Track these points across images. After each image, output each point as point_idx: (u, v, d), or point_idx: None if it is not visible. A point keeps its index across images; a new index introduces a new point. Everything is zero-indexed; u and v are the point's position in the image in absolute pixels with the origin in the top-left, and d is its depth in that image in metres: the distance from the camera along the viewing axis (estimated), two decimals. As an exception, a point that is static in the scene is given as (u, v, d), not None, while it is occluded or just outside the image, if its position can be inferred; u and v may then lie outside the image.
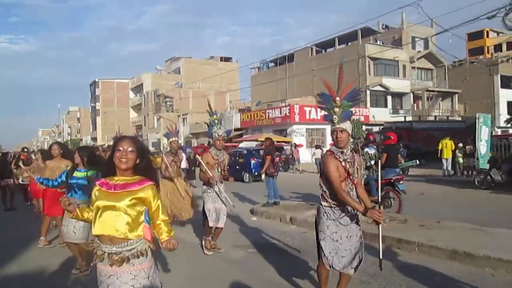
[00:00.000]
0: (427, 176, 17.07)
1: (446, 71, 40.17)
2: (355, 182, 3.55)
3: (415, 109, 38.02)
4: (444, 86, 39.27)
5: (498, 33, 48.31)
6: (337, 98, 3.49)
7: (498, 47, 47.50)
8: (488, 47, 49.80)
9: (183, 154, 7.16)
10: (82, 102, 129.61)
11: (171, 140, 7.47)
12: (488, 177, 12.98)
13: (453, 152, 17.30)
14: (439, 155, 17.62)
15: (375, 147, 9.73)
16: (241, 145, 27.12)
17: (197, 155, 9.06)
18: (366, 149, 9.40)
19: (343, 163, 3.47)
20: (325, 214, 3.54)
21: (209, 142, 6.54)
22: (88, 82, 79.50)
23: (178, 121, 46.85)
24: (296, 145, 25.83)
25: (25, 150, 12.17)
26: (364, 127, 27.75)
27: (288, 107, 31.44)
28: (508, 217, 7.99)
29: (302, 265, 5.15)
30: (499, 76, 36.43)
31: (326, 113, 3.60)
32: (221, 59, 63.43)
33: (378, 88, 35.70)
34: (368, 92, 34.31)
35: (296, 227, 7.58)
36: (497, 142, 16.04)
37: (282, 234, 6.95)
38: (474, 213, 8.81)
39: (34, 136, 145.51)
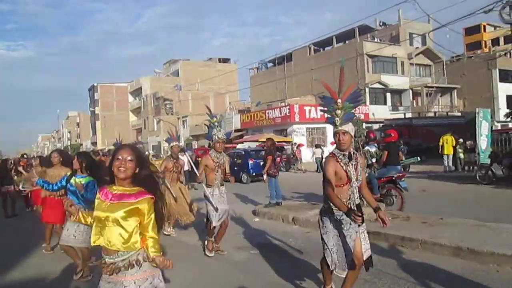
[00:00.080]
0: (428, 173, 17.04)
1: (445, 66, 40.17)
2: (357, 185, 3.53)
3: (415, 105, 37.99)
4: (443, 81, 39.26)
5: (495, 27, 48.34)
6: (339, 100, 3.47)
7: (495, 41, 47.51)
8: (485, 42, 49.82)
9: (185, 156, 7.14)
10: (81, 106, 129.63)
11: (172, 144, 7.46)
12: (490, 172, 12.95)
13: (454, 148, 17.27)
14: (440, 151, 17.60)
15: (375, 145, 9.72)
16: (239, 146, 27.12)
17: (198, 158, 9.04)
18: (367, 147, 9.39)
19: (343, 167, 3.45)
20: (327, 214, 3.56)
21: (209, 144, 6.53)
22: (87, 87, 79.55)
23: (178, 123, 46.90)
24: (298, 145, 25.83)
25: (25, 156, 12.17)
26: (364, 125, 27.72)
27: (287, 107, 31.42)
28: (511, 212, 7.97)
29: (305, 266, 5.13)
30: (497, 70, 36.42)
31: (328, 115, 3.59)
32: (220, 60, 63.40)
33: (377, 85, 35.67)
34: (367, 89, 34.28)
35: (298, 227, 7.56)
36: (497, 137, 16.01)
37: (285, 235, 6.93)
38: (476, 208, 8.79)
39: (34, 142, 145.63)
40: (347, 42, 39.78)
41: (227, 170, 5.98)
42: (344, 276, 3.60)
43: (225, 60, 63.85)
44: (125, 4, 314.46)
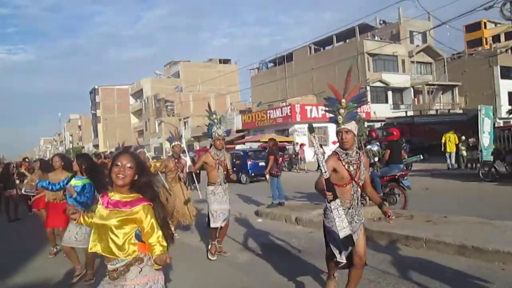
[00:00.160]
0: (430, 171, 16.99)
1: (446, 64, 40.06)
2: (360, 184, 3.50)
3: (416, 103, 37.91)
4: (444, 79, 39.17)
5: (495, 23, 48.17)
6: (343, 100, 3.45)
7: (496, 38, 47.35)
8: (486, 38, 49.68)
9: (188, 158, 7.09)
10: (82, 109, 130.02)
11: (173, 144, 7.43)
12: (493, 169, 12.90)
13: (456, 145, 17.23)
14: (442, 149, 17.55)
15: (378, 143, 9.67)
16: (238, 147, 27.14)
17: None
18: (369, 146, 9.35)
19: (346, 166, 3.42)
20: (331, 213, 3.49)
21: (211, 145, 6.40)
22: (88, 90, 79.70)
23: (179, 125, 46.89)
24: (301, 145, 25.80)
25: (26, 160, 12.17)
26: (366, 124, 27.67)
27: (289, 107, 31.38)
28: (515, 209, 7.93)
29: (309, 266, 5.10)
30: (498, 67, 36.31)
31: (332, 115, 3.56)
32: (220, 61, 63.47)
33: (378, 84, 35.61)
34: (368, 88, 34.22)
35: (301, 228, 7.54)
36: (499, 134, 15.96)
37: (288, 235, 6.90)
38: (480, 206, 8.75)
39: (36, 146, 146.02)
40: (347, 41, 39.72)
41: (229, 166, 5.92)
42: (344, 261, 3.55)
43: (226, 61, 63.91)
44: (124, 6, 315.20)
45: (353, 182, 3.45)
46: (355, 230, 3.49)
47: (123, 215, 2.39)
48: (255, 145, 28.24)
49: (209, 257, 5.75)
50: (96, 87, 73.65)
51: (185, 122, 48.63)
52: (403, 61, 37.59)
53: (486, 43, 48.02)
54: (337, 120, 3.46)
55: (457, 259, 4.97)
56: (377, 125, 30.06)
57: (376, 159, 9.07)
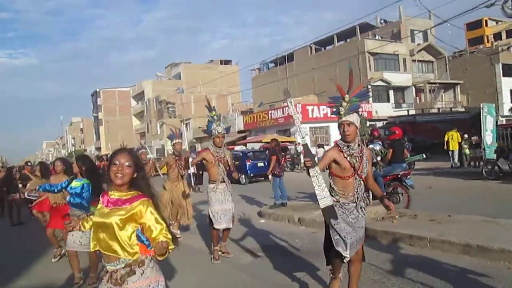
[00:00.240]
0: (433, 169, 16.94)
1: (447, 62, 39.93)
2: (363, 177, 3.46)
3: (418, 102, 37.80)
4: (446, 77, 39.05)
5: (497, 21, 48.04)
6: (346, 96, 3.43)
7: (497, 36, 47.18)
8: (487, 36, 49.52)
9: (190, 159, 7.06)
10: (84, 112, 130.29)
11: (174, 142, 7.41)
12: (496, 167, 12.85)
13: (459, 143, 17.18)
14: (445, 147, 17.51)
15: (380, 143, 9.65)
16: (236, 148, 27.16)
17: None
18: (371, 146, 9.33)
19: (348, 158, 3.39)
20: (335, 206, 3.47)
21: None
22: (89, 93, 79.90)
23: (181, 126, 46.82)
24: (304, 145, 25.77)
25: (29, 164, 12.17)
26: (368, 123, 27.64)
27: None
28: (519, 207, 7.89)
29: (312, 267, 5.06)
30: (500, 64, 36.15)
31: (335, 109, 3.55)
32: (221, 62, 63.46)
33: (380, 83, 35.52)
34: (369, 87, 34.15)
35: (305, 228, 7.51)
36: (502, 132, 15.89)
37: (291, 236, 6.87)
38: (484, 204, 8.71)
39: (39, 149, 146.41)
40: (348, 40, 39.66)
41: (230, 163, 5.87)
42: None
43: (227, 62, 63.91)
44: (125, 9, 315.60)
45: (356, 175, 3.41)
46: (361, 226, 3.47)
47: (124, 212, 2.36)
48: (257, 146, 28.26)
49: (213, 262, 5.67)
50: (98, 90, 73.79)
51: (186, 124, 48.64)
52: (404, 60, 37.50)
53: (488, 41, 47.88)
54: (339, 111, 3.43)
55: (462, 258, 4.93)
56: (379, 124, 30.02)
57: (379, 158, 9.05)
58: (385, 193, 8.24)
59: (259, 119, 34.67)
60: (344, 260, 3.45)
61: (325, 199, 3.20)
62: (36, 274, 5.72)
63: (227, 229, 5.86)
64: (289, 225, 7.94)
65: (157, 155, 41.40)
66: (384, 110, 33.88)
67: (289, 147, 26.15)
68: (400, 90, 37.46)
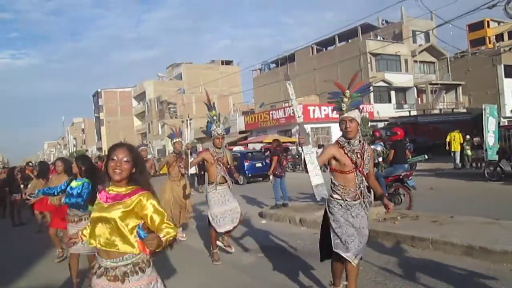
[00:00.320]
0: (435, 170, 16.89)
1: (449, 63, 39.88)
2: (364, 173, 3.41)
3: (419, 103, 37.75)
4: (447, 78, 38.99)
5: (499, 22, 48.00)
6: (347, 91, 3.39)
7: (499, 37, 47.16)
8: (489, 37, 49.47)
9: (192, 159, 7.04)
10: (86, 113, 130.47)
11: (174, 141, 7.38)
12: (498, 168, 12.81)
13: (461, 144, 17.14)
14: (447, 148, 17.47)
15: (382, 143, 9.62)
16: (235, 148, 27.19)
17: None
18: (373, 146, 9.29)
19: (349, 154, 3.35)
20: (337, 205, 3.43)
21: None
22: (91, 93, 79.93)
23: (182, 126, 46.81)
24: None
25: (30, 164, 12.18)
26: (369, 124, 27.59)
27: (291, 107, 31.22)
28: (522, 209, 7.84)
29: (314, 268, 5.03)
30: (502, 66, 36.10)
31: (336, 105, 3.50)
32: (222, 62, 63.46)
33: (381, 83, 35.47)
34: (371, 88, 34.10)
35: (306, 229, 7.48)
36: (504, 133, 15.86)
37: (292, 237, 6.85)
38: (486, 206, 8.66)
39: (40, 149, 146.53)
40: (349, 41, 39.62)
41: (230, 163, 5.82)
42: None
43: (228, 62, 63.91)
44: (126, 9, 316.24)
45: (358, 171, 3.36)
46: (363, 225, 3.41)
47: (125, 206, 2.33)
48: (258, 146, 28.26)
49: (213, 262, 5.65)
50: (99, 90, 73.83)
51: (187, 124, 48.63)
52: (406, 61, 37.45)
53: (490, 42, 47.82)
54: (340, 108, 3.39)
55: (464, 260, 4.90)
56: (380, 125, 29.97)
57: (380, 159, 9.02)
58: (386, 194, 8.23)
59: (260, 120, 34.66)
60: (353, 263, 3.37)
61: (317, 177, 3.17)
62: (36, 275, 5.70)
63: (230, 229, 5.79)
64: (290, 226, 7.91)
65: (158, 155, 41.40)
66: (386, 111, 33.84)
67: (290, 147, 26.12)
68: (401, 91, 37.41)
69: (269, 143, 20.38)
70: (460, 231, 5.69)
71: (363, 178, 3.42)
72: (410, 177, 8.43)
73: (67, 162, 6.06)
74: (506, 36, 46.61)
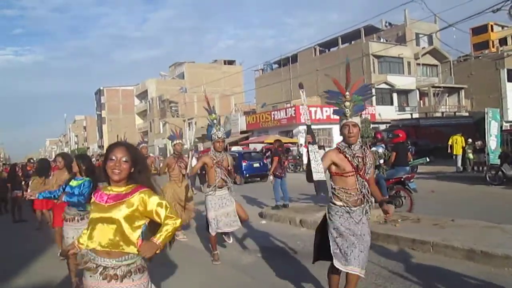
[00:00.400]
0: (436, 173, 16.86)
1: (452, 66, 39.83)
2: (366, 178, 3.35)
3: (422, 105, 37.70)
4: (450, 81, 38.93)
5: (502, 26, 47.89)
6: (347, 93, 3.35)
7: (503, 41, 47.02)
8: (493, 41, 49.34)
9: (194, 158, 7.04)
10: (88, 110, 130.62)
11: (175, 142, 7.37)
12: (500, 172, 12.77)
13: (463, 148, 17.11)
14: (449, 151, 17.44)
15: (383, 145, 9.59)
16: (233, 148, 27.22)
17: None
18: (374, 148, 9.27)
19: (349, 158, 3.29)
20: (337, 212, 3.35)
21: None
22: (93, 91, 79.94)
23: (184, 126, 46.94)
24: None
25: (32, 161, 12.22)
26: (371, 126, 27.56)
27: (293, 108, 31.32)
28: (524, 213, 7.81)
29: (314, 270, 5.01)
30: (505, 70, 35.99)
31: (336, 108, 3.43)
32: (225, 62, 63.47)
33: (383, 86, 35.43)
34: (373, 90, 34.06)
35: (306, 230, 7.45)
36: (507, 137, 15.80)
37: (292, 238, 6.83)
38: (487, 210, 8.63)
39: (42, 146, 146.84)
40: (352, 42, 39.61)
41: (230, 167, 5.81)
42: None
43: (230, 62, 63.91)
44: (131, 8, 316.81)
45: (358, 175, 3.31)
46: (364, 232, 3.33)
47: (128, 205, 2.29)
48: (259, 146, 28.27)
49: (213, 263, 5.63)
50: (101, 88, 73.84)
51: (189, 123, 48.69)
52: (408, 63, 37.40)
53: (493, 46, 47.71)
54: (344, 113, 3.34)
55: (466, 264, 4.87)
56: (382, 127, 29.92)
57: (382, 161, 8.99)
58: (387, 196, 8.20)
59: (262, 120, 34.65)
60: (360, 275, 3.29)
61: (319, 174, 3.14)
62: (36, 272, 5.69)
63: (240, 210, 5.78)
64: (290, 227, 7.89)
65: (159, 154, 41.43)
66: (388, 113, 33.77)
67: (291, 148, 26.10)
68: (404, 93, 37.36)
69: (271, 143, 20.40)
70: (462, 234, 5.66)
71: (365, 183, 3.34)
72: (412, 180, 8.39)
73: (68, 157, 6.05)
74: (509, 40, 46.49)
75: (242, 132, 36.54)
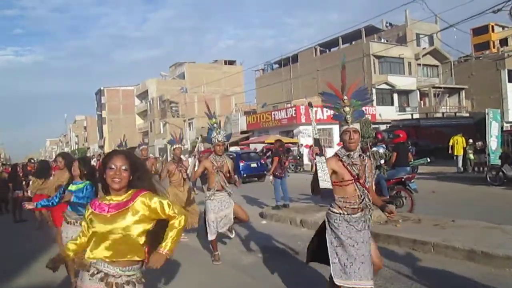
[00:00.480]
0: (436, 174, 16.85)
1: (452, 67, 39.78)
2: (366, 186, 3.27)
3: (422, 106, 37.67)
4: (451, 82, 38.90)
5: (503, 27, 47.85)
6: (345, 97, 3.30)
7: (504, 42, 46.98)
8: (493, 42, 49.30)
9: (195, 159, 7.03)
10: (88, 110, 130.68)
11: (174, 147, 7.37)
12: (500, 173, 12.76)
13: (464, 148, 17.09)
14: (450, 152, 17.42)
15: (384, 146, 9.59)
16: (231, 148, 27.25)
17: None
18: (375, 148, 9.26)
19: (348, 167, 3.23)
20: (336, 220, 3.27)
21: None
22: (93, 91, 79.92)
23: (184, 126, 46.95)
24: (311, 146, 25.75)
25: (32, 161, 12.23)
26: (371, 126, 27.55)
27: (293, 108, 31.32)
28: (524, 214, 7.80)
29: (314, 270, 5.00)
30: (506, 70, 35.94)
31: (336, 113, 3.37)
32: (225, 62, 63.44)
33: (384, 86, 35.42)
34: (374, 90, 34.07)
35: (307, 230, 7.44)
36: (507, 138, 15.80)
37: (293, 238, 6.82)
38: (488, 210, 8.62)
39: (42, 146, 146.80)
40: (353, 43, 39.60)
41: (230, 171, 5.81)
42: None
43: (231, 62, 63.89)
44: (130, 8, 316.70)
45: (358, 183, 3.24)
46: (366, 240, 3.23)
47: (133, 212, 2.28)
48: (259, 147, 28.27)
49: (214, 263, 5.64)
50: (102, 88, 73.84)
51: (190, 123, 48.69)
52: (409, 64, 37.38)
53: (494, 47, 47.67)
54: (345, 119, 3.28)
55: (466, 264, 4.87)
56: (383, 127, 29.90)
57: (383, 161, 8.98)
58: (388, 197, 8.19)
59: (262, 120, 34.65)
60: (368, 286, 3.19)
61: (326, 182, 3.12)
62: (35, 272, 5.68)
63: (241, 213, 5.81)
64: (291, 227, 7.89)
65: (159, 154, 41.42)
66: (388, 113, 33.76)
67: (291, 148, 26.11)
68: (404, 93, 37.35)
69: (271, 143, 20.41)
70: (462, 235, 5.66)
71: (366, 191, 3.26)
72: (412, 180, 8.39)
73: (68, 157, 6.05)
74: (510, 41, 46.47)
75: (242, 132, 36.54)
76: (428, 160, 10.79)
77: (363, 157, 3.34)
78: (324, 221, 3.46)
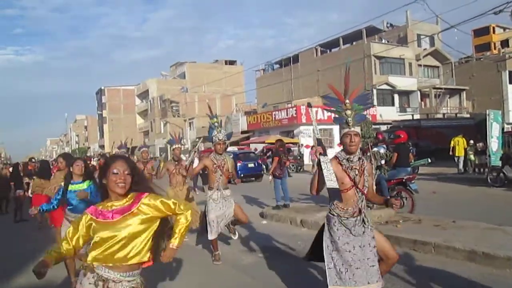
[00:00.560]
0: (437, 175, 16.84)
1: (453, 68, 39.76)
2: (365, 192, 3.24)
3: (423, 107, 37.66)
4: (451, 83, 38.88)
5: (504, 28, 47.83)
6: (347, 101, 3.30)
7: (504, 43, 46.99)
8: (494, 43, 49.29)
9: (194, 156, 7.04)
10: (89, 110, 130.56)
11: (174, 147, 7.36)
12: (501, 174, 12.75)
13: (464, 149, 17.09)
14: (451, 153, 17.41)
15: (384, 146, 9.57)
16: (229, 148, 27.25)
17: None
18: (376, 149, 9.23)
19: (347, 171, 3.21)
20: (336, 223, 3.24)
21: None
22: (94, 90, 79.97)
23: (184, 125, 46.97)
24: (312, 146, 25.73)
25: (33, 160, 12.24)
26: (372, 126, 27.54)
27: (294, 108, 31.31)
28: (525, 215, 7.79)
29: (314, 270, 5.00)
30: (507, 72, 35.91)
31: (336, 116, 3.37)
32: (226, 62, 63.46)
33: (385, 86, 35.42)
34: (374, 91, 34.07)
35: (307, 230, 7.44)
36: (508, 139, 15.79)
37: (293, 238, 6.82)
38: (489, 211, 8.62)
39: (43, 146, 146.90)
40: (354, 43, 39.59)
41: (231, 170, 5.80)
42: None
43: (232, 62, 63.91)
44: (130, 8, 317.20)
45: (357, 189, 3.22)
46: (365, 243, 3.19)
47: (139, 216, 2.28)
48: (260, 147, 28.26)
49: (214, 263, 5.63)
50: (102, 87, 73.89)
51: (190, 123, 48.71)
52: (410, 64, 37.38)
53: (495, 48, 47.66)
54: (347, 121, 3.27)
55: (467, 265, 4.86)
56: (383, 127, 29.89)
57: (383, 161, 8.96)
58: (388, 197, 8.17)
59: (263, 120, 34.65)
60: None
61: (332, 182, 3.11)
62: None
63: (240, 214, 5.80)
64: (291, 227, 7.88)
65: (160, 154, 41.43)
66: (389, 113, 33.74)
67: (292, 148, 26.09)
68: (405, 94, 37.35)
69: (272, 143, 20.40)
70: (463, 236, 5.65)
71: (363, 196, 3.25)
72: (413, 181, 8.38)
73: (69, 158, 6.03)
74: (511, 42, 46.46)
75: (243, 132, 36.54)
76: (429, 160, 10.79)
77: (363, 160, 3.32)
78: (323, 226, 3.45)
